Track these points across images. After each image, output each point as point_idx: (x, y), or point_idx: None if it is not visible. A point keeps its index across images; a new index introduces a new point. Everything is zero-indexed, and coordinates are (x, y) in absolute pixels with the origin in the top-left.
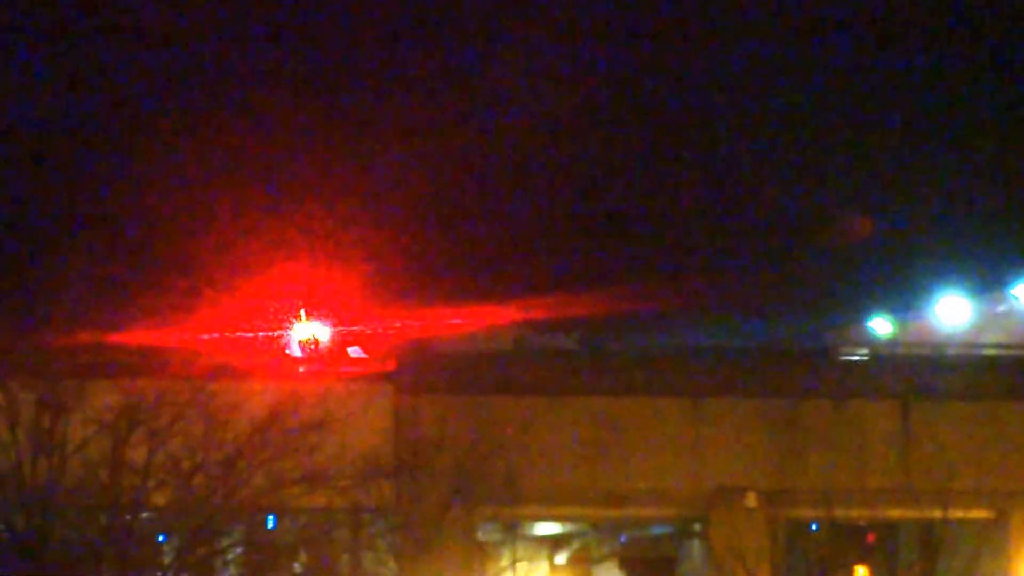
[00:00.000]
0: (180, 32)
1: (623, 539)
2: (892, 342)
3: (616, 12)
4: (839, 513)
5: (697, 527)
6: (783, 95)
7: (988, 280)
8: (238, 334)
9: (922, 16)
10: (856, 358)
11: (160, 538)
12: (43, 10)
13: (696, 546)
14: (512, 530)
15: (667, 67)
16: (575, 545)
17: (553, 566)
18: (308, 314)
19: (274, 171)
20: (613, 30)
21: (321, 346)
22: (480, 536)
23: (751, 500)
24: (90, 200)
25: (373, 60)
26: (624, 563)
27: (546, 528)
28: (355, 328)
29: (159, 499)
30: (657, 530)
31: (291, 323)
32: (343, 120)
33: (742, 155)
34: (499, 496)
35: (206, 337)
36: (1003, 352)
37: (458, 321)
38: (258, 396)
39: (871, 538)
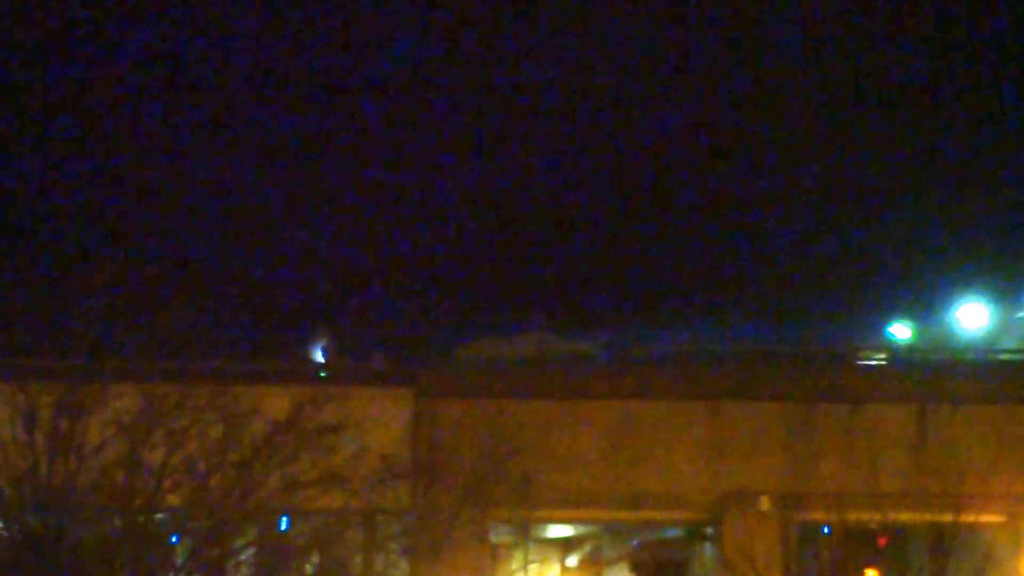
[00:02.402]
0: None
1: (635, 542)
2: (909, 347)
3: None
4: (851, 516)
5: (709, 530)
6: (803, 99)
7: (1006, 286)
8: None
9: (942, 19)
10: (873, 362)
11: (173, 539)
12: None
13: (708, 549)
14: (524, 532)
15: (684, 70)
16: (587, 547)
17: (565, 568)
18: (329, 318)
19: (298, 178)
20: (629, 37)
21: (341, 350)
22: (492, 538)
23: (764, 504)
24: (115, 204)
25: (389, 63)
26: (635, 566)
27: (558, 530)
28: (376, 332)
29: (174, 500)
30: (669, 533)
31: (312, 327)
32: (364, 127)
33: (763, 160)
34: (514, 499)
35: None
36: (1019, 357)
37: (480, 325)
38: (277, 399)
39: (882, 541)
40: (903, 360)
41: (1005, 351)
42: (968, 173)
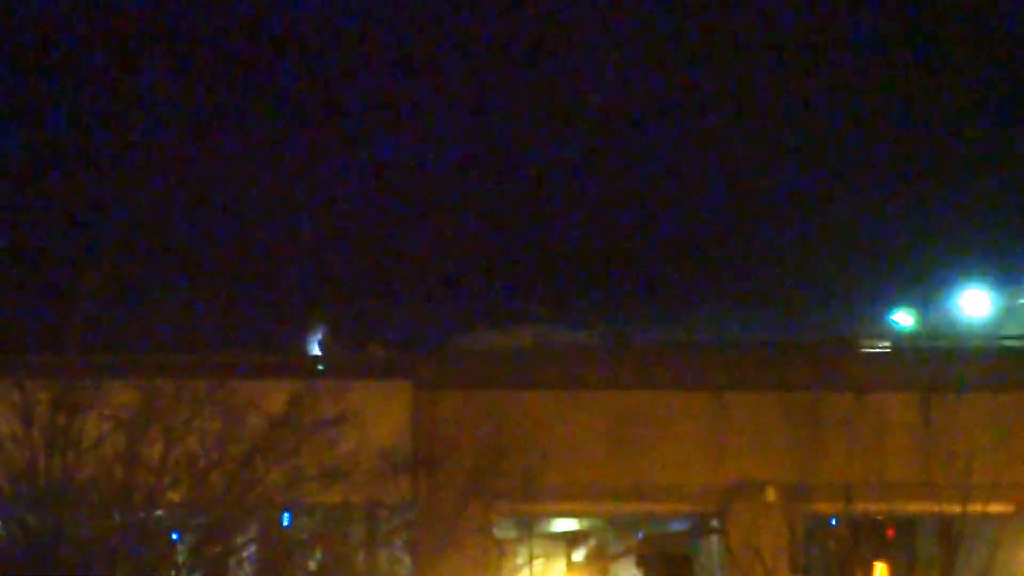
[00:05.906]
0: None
1: (640, 535)
2: (913, 334)
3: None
4: (858, 507)
5: (715, 523)
6: (805, 84)
7: (1009, 272)
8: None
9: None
10: (877, 351)
11: (173, 536)
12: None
13: (714, 542)
14: (529, 527)
15: (687, 52)
16: (592, 542)
17: (570, 563)
18: (326, 311)
19: (291, 167)
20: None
21: (339, 342)
22: (497, 533)
23: (770, 495)
24: (109, 200)
25: (389, 55)
26: (641, 560)
27: (563, 525)
28: (374, 324)
29: (174, 496)
30: (675, 526)
31: (309, 320)
32: (359, 116)
33: (764, 147)
34: (517, 493)
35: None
36: (1023, 344)
37: (479, 316)
38: (275, 393)
39: (890, 533)
40: (906, 348)
41: (1009, 337)
42: (969, 159)
